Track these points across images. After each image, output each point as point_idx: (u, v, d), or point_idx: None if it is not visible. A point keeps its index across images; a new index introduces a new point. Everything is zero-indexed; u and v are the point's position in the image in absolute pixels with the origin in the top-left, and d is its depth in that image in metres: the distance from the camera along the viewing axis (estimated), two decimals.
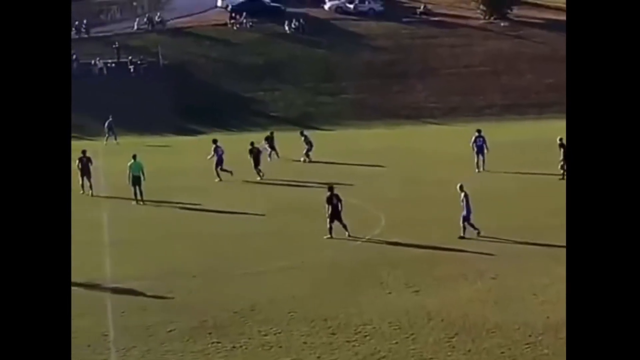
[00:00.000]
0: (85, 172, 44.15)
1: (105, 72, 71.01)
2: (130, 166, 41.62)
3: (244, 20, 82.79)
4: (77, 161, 43.23)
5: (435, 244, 32.15)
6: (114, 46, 73.50)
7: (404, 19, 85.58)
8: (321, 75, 75.87)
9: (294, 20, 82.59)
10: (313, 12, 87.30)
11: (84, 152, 44.84)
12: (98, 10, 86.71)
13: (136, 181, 41.27)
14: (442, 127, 69.75)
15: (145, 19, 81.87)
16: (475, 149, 47.76)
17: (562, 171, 42.45)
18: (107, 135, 61.07)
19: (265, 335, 23.96)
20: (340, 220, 33.49)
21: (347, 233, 33.39)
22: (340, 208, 33.50)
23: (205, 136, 62.95)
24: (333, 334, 23.70)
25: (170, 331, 24.62)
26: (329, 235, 33.35)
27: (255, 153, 47.68)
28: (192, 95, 69.70)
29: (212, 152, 46.89)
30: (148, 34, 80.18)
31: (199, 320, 25.31)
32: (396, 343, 22.87)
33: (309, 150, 52.71)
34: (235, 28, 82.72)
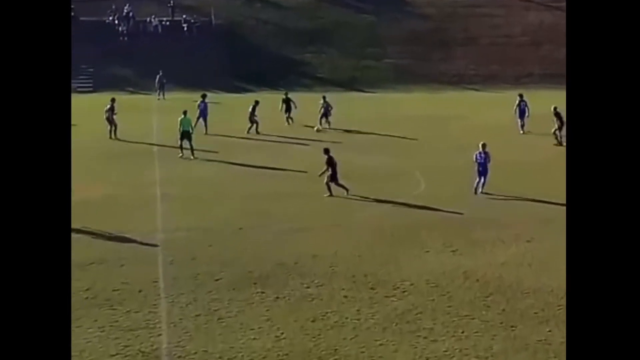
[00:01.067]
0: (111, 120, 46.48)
1: (159, 30, 71.00)
2: (181, 121, 41.84)
3: None
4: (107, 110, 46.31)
5: (473, 208, 32.05)
6: (168, 5, 73.52)
7: None
8: (366, 40, 75.49)
9: None
10: None
11: (112, 100, 47.48)
12: None
13: (186, 135, 41.56)
14: (482, 93, 69.30)
15: None
16: (518, 113, 48.06)
17: (556, 140, 44.30)
18: (157, 90, 61.36)
19: (308, 287, 24.07)
20: (337, 181, 33.95)
21: (346, 192, 33.90)
22: (337, 170, 34.00)
23: (254, 94, 62.97)
24: (372, 289, 23.77)
25: (217, 280, 24.80)
26: (328, 194, 33.84)
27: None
28: (242, 55, 69.66)
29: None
30: None
31: (244, 271, 25.48)
32: (433, 300, 22.92)
33: (327, 115, 50.74)
34: None
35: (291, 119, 50.96)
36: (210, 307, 22.97)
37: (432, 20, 78.49)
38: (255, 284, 24.58)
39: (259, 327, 21.74)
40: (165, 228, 29.92)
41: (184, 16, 71.88)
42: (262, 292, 23.95)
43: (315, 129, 48.28)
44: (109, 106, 46.54)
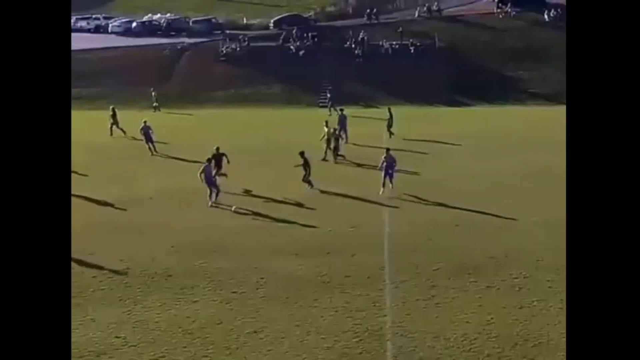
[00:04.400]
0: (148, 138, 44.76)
1: (390, 52, 71.60)
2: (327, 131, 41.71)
3: (509, 10, 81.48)
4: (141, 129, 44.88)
5: None
6: (398, 30, 74.03)
7: None
8: None
9: (552, 10, 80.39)
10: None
11: (144, 122, 45.33)
12: (386, 1, 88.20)
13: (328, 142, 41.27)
14: None
15: (424, 8, 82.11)
16: None
17: None
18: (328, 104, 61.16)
19: (516, 278, 23.69)
20: (306, 179, 34.75)
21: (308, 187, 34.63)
22: (309, 171, 34.69)
23: (471, 108, 62.50)
24: None
25: (435, 270, 24.79)
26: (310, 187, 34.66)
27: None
28: (462, 73, 69.15)
29: None
30: (426, 20, 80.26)
31: (459, 263, 25.35)
32: None
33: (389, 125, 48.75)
34: (500, 16, 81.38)
35: (391, 132, 48.82)
36: (428, 293, 23.01)
37: None
38: (469, 273, 24.43)
39: (472, 312, 21.60)
40: (391, 223, 30.15)
41: (411, 40, 72.24)
42: (475, 281, 23.77)
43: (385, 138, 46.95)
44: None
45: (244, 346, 20.00)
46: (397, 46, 72.07)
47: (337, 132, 42.55)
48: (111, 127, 49.76)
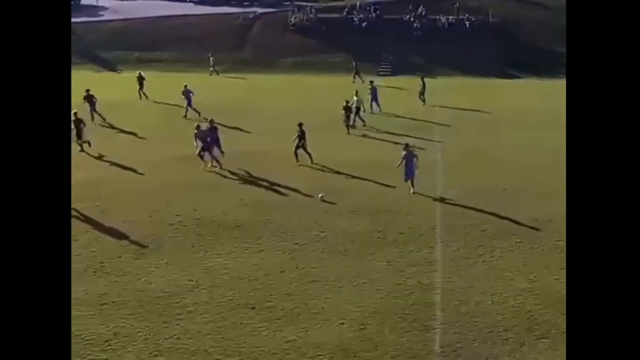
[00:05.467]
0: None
1: (446, 26, 70.65)
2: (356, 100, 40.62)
3: None
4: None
5: None
6: (454, 5, 73.00)
7: None
8: None
9: None
10: None
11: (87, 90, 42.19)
12: None
13: (353, 110, 39.82)
14: None
15: None
16: None
17: None
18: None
19: (558, 240, 23.39)
20: (305, 149, 33.03)
21: (310, 160, 32.86)
22: (305, 140, 32.98)
23: (521, 80, 61.62)
24: None
25: (482, 231, 24.63)
26: (296, 161, 32.91)
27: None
28: (513, 48, 67.92)
29: None
30: None
31: (506, 225, 25.16)
32: None
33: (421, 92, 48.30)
34: None
35: (424, 100, 48.25)
36: (476, 252, 22.91)
37: None
38: (514, 235, 24.24)
39: (517, 271, 21.46)
40: (444, 186, 29.93)
41: (466, 15, 71.13)
42: (520, 242, 23.59)
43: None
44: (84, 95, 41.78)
45: (304, 293, 20.17)
46: (453, 21, 71.02)
47: (356, 104, 40.86)
48: (139, 92, 48.55)
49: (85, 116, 37.93)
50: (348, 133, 39.00)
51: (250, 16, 72.45)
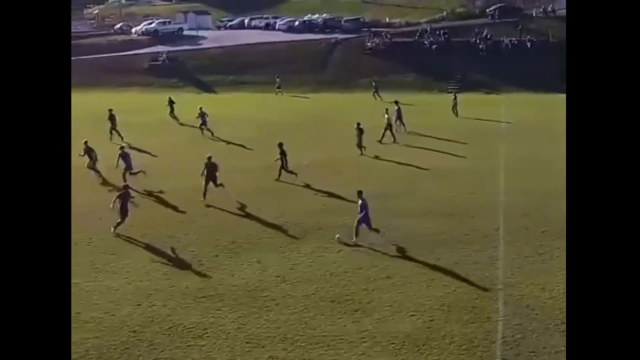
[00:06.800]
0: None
1: (509, 47, 69.71)
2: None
3: None
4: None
5: None
6: (517, 28, 71.94)
7: None
8: None
9: None
10: None
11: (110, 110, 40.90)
12: (509, 3, 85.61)
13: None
14: None
15: (541, 9, 79.32)
16: None
17: None
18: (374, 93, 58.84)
19: None
20: (286, 169, 31.10)
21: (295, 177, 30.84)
22: (285, 161, 31.04)
23: None
24: None
25: (542, 232, 24.25)
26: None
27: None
28: None
29: None
30: (542, 19, 77.35)
31: (564, 227, 24.58)
32: None
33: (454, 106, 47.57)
34: None
35: (456, 113, 47.54)
36: (536, 251, 22.54)
37: None
38: None
39: None
40: (506, 190, 29.55)
41: (528, 36, 70.07)
42: None
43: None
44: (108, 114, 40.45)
45: (378, 288, 20.18)
46: (516, 42, 70.07)
47: (387, 121, 39.56)
48: (170, 115, 46.91)
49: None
50: (361, 154, 36.15)
51: (332, 41, 72.88)
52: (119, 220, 24.69)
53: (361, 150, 35.03)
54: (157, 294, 20.08)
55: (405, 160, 35.02)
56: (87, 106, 52.19)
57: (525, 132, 42.51)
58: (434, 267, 21.50)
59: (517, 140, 39.93)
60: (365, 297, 19.57)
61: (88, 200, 28.86)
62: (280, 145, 31.39)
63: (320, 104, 56.70)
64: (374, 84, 58.98)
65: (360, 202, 23.43)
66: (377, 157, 35.98)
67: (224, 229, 25.33)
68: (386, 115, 40.03)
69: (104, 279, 21.28)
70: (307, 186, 31.02)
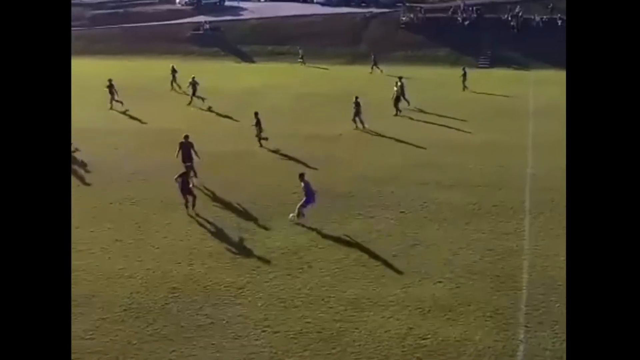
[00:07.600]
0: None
1: (540, 24, 68.38)
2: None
3: None
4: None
5: None
6: (548, 6, 70.51)
7: None
8: None
9: None
10: None
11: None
12: None
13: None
14: None
15: None
16: None
17: None
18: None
19: None
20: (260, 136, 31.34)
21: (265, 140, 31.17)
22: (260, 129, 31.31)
23: None
24: None
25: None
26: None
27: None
28: None
29: None
30: None
31: None
32: None
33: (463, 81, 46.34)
34: None
35: (465, 86, 46.27)
36: (561, 223, 22.14)
37: None
38: None
39: None
40: (534, 165, 29.12)
41: (559, 15, 68.64)
42: None
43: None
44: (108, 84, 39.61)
45: (407, 254, 20.08)
46: (546, 20, 68.71)
47: (396, 94, 38.85)
48: (172, 83, 45.92)
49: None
50: (355, 128, 35.02)
51: (367, 15, 72.09)
52: (185, 201, 23.20)
53: (356, 124, 34.62)
54: (195, 254, 20.19)
55: (429, 135, 34.60)
56: (139, 71, 52.39)
57: (554, 108, 41.73)
58: (461, 237, 21.32)
59: (545, 116, 39.26)
60: (395, 263, 19.48)
61: (134, 164, 29.05)
62: (256, 114, 31.59)
63: (354, 74, 56.20)
64: (372, 57, 58.26)
65: (302, 184, 22.42)
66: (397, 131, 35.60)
67: (259, 196, 25.30)
68: (395, 88, 39.61)
69: (146, 237, 21.44)
70: (342, 156, 30.85)
